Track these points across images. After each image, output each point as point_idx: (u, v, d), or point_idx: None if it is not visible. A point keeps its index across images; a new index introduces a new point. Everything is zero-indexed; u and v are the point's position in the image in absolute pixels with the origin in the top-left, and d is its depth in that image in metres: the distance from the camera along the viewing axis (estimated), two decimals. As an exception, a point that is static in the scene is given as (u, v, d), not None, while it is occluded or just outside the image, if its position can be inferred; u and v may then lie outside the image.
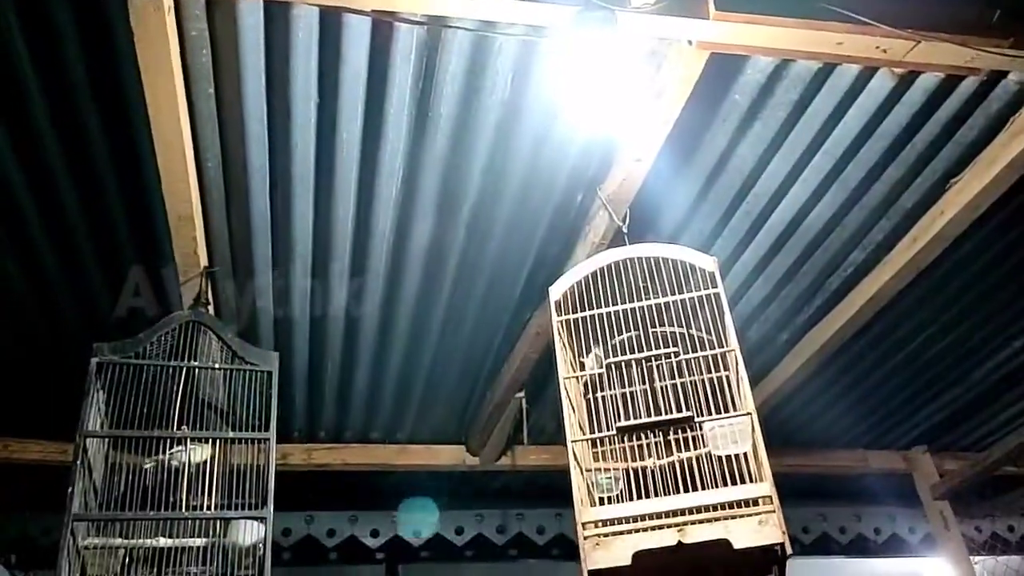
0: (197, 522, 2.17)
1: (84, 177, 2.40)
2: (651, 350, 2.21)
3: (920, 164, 2.56)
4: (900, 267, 2.81)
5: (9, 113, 2.20)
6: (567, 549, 4.21)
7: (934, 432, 4.19)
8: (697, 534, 1.92)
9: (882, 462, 4.29)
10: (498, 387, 3.51)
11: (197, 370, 2.31)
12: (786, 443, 4.00)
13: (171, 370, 2.28)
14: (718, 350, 2.15)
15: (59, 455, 3.32)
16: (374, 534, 4.10)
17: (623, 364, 2.22)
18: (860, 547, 4.67)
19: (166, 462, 2.22)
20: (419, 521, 4.09)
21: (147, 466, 2.17)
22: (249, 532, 2.19)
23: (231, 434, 2.28)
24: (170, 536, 2.13)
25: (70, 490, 2.08)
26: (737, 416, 2.06)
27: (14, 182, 2.39)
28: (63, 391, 2.84)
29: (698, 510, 1.94)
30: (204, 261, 2.59)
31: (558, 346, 2.24)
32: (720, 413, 2.09)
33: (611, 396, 2.21)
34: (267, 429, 2.30)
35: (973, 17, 2.09)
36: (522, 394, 3.54)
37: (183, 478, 2.19)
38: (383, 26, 2.08)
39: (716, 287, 2.22)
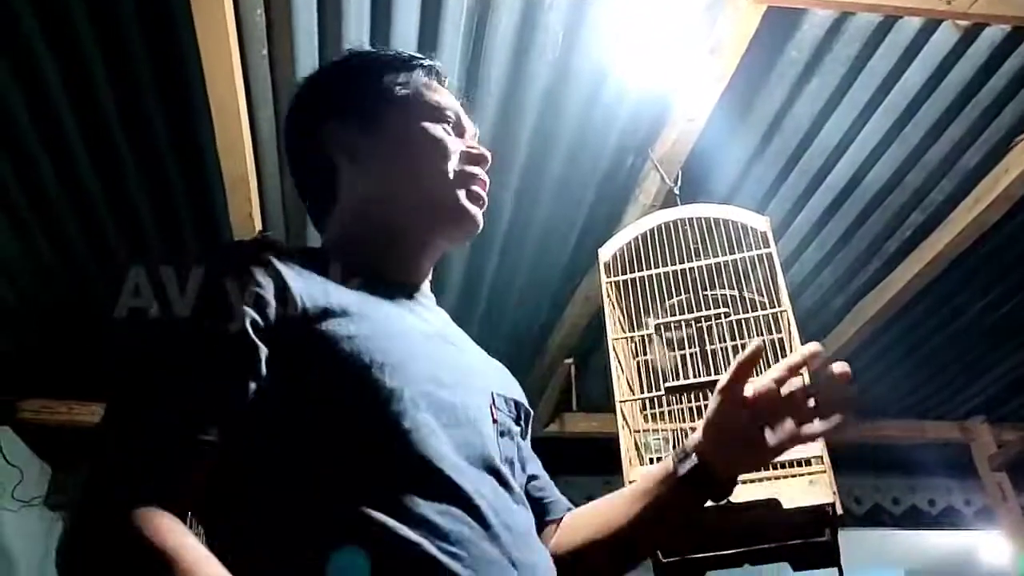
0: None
1: (141, 139, 2.43)
2: (703, 312, 2.19)
3: (984, 121, 2.48)
4: (961, 228, 2.73)
5: (70, 76, 2.24)
6: (615, 516, 4.22)
7: (993, 402, 4.09)
8: (746, 494, 1.91)
9: (938, 432, 4.19)
10: (546, 354, 3.52)
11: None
12: (839, 412, 3.94)
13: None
14: (771, 311, 2.12)
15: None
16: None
17: (673, 326, 2.20)
18: (914, 519, 4.60)
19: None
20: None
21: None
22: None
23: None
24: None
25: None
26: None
27: (77, 152, 2.44)
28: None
29: (749, 470, 1.93)
30: (259, 225, 2.63)
31: (607, 307, 2.23)
32: (773, 375, 2.07)
33: (662, 358, 2.20)
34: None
35: (1043, -35, 2.01)
36: (571, 360, 3.54)
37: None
38: (434, -15, 2.07)
39: (769, 247, 2.19)
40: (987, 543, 5.04)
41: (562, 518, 1.09)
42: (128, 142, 2.44)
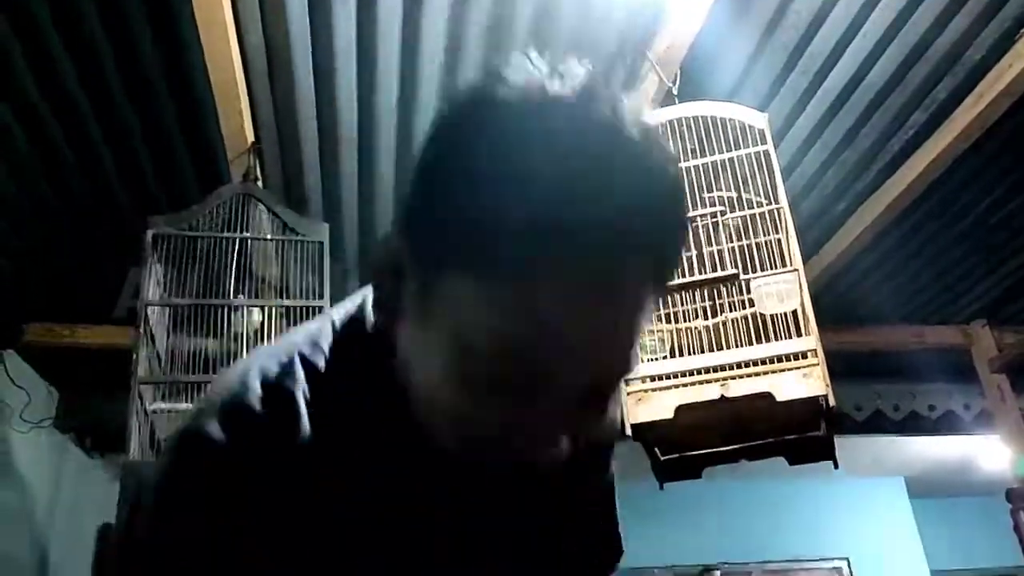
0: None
1: (129, 59, 2.39)
2: (700, 211, 2.18)
3: (989, 12, 2.41)
4: (964, 126, 2.68)
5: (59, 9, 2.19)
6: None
7: (995, 305, 4.07)
8: (740, 388, 1.94)
9: (939, 337, 4.19)
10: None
11: (250, 241, 2.35)
12: (840, 320, 3.94)
13: (225, 241, 2.32)
14: (767, 208, 2.11)
15: (123, 339, 3.45)
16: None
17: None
18: (914, 425, 4.64)
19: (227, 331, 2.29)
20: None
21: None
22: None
23: (287, 302, 2.33)
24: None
25: (134, 356, 2.17)
26: (784, 273, 2.04)
27: (65, 70, 2.40)
28: (121, 276, 2.95)
29: (742, 365, 1.95)
30: (251, 137, 2.60)
31: (605, 209, 2.21)
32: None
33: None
34: (321, 297, 2.34)
35: None
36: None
37: (244, 344, 2.26)
38: None
39: (766, 144, 2.16)
40: (986, 449, 5.12)
41: None
42: (115, 64, 2.39)
